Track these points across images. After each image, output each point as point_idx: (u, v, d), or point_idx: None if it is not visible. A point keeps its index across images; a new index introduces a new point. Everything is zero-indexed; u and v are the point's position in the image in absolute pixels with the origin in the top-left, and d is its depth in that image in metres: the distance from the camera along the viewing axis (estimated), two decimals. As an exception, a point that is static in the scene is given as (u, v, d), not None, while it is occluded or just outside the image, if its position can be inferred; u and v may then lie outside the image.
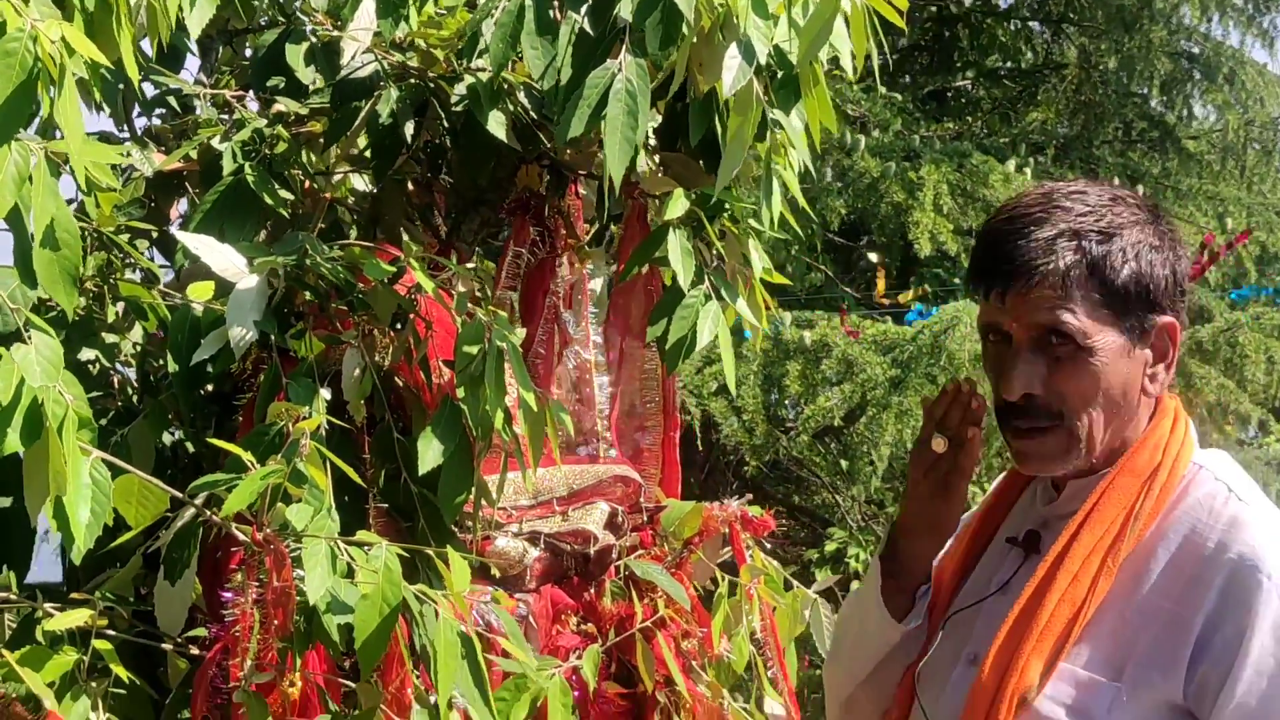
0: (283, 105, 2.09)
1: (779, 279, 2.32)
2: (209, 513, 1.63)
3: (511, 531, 2.10)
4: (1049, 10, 9.39)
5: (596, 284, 2.34)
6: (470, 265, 2.28)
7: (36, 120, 1.76)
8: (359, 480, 1.72)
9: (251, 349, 1.80)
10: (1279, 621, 1.55)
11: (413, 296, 1.90)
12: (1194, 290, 6.66)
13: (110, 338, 1.99)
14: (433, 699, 1.65)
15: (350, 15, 2.06)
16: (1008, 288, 1.64)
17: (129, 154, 2.08)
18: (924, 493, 1.78)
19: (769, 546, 2.35)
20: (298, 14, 2.18)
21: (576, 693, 1.90)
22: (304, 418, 1.63)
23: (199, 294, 1.86)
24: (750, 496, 2.33)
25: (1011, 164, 7.08)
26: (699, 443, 5.95)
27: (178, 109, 2.27)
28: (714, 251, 2.14)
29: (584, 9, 1.89)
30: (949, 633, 1.76)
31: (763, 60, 1.86)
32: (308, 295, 1.87)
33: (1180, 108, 9.16)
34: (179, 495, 1.63)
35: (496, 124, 2.03)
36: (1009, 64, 9.79)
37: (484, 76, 2.04)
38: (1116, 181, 6.99)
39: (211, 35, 2.34)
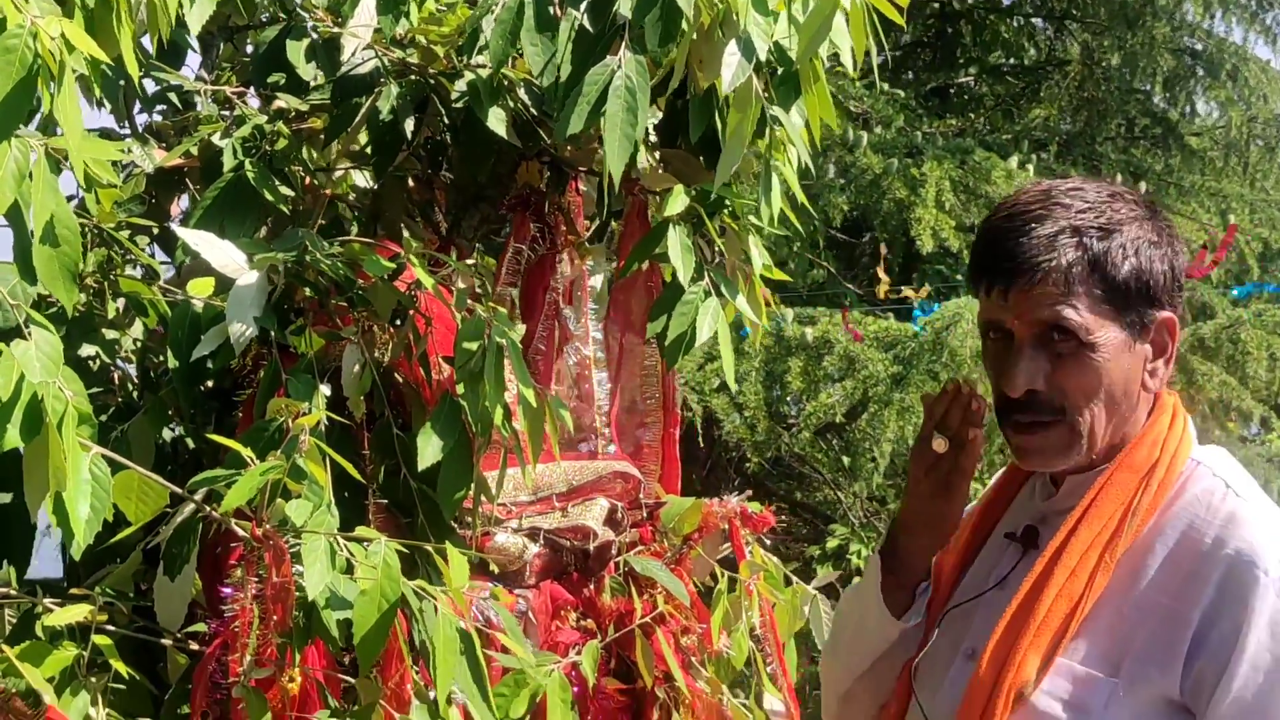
0: (283, 102, 2.09)
1: (779, 275, 2.32)
2: (209, 508, 1.64)
3: (511, 527, 2.10)
4: (1052, 6, 9.39)
5: (597, 280, 2.34)
6: (470, 261, 2.28)
7: (37, 117, 1.77)
8: (358, 476, 1.72)
9: (251, 345, 1.80)
10: (1275, 617, 1.55)
11: (413, 293, 1.90)
12: (1196, 287, 6.66)
13: (110, 334, 1.99)
14: (432, 694, 1.65)
15: (351, 12, 2.07)
16: (1010, 285, 1.64)
17: (130, 150, 2.08)
18: (925, 492, 1.78)
19: (769, 543, 2.36)
20: (298, 10, 2.18)
21: (576, 688, 1.91)
22: (304, 413, 1.63)
23: (199, 290, 1.86)
24: (750, 493, 2.34)
25: (1014, 160, 7.09)
26: (701, 439, 5.96)
27: (178, 105, 2.27)
28: (714, 248, 2.14)
29: (584, 6, 1.89)
30: (947, 628, 1.76)
31: (763, 57, 1.86)
32: (308, 291, 1.87)
33: (1183, 104, 9.16)
34: (179, 491, 1.64)
35: (497, 120, 2.03)
36: (1012, 60, 9.79)
37: (484, 73, 2.04)
38: (1119, 178, 7.00)
39: (212, 31, 2.34)
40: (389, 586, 1.52)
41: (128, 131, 2.23)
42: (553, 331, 2.23)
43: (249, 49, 2.41)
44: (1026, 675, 1.60)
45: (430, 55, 2.09)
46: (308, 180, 2.17)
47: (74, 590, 1.71)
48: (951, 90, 9.49)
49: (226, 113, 2.16)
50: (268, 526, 1.56)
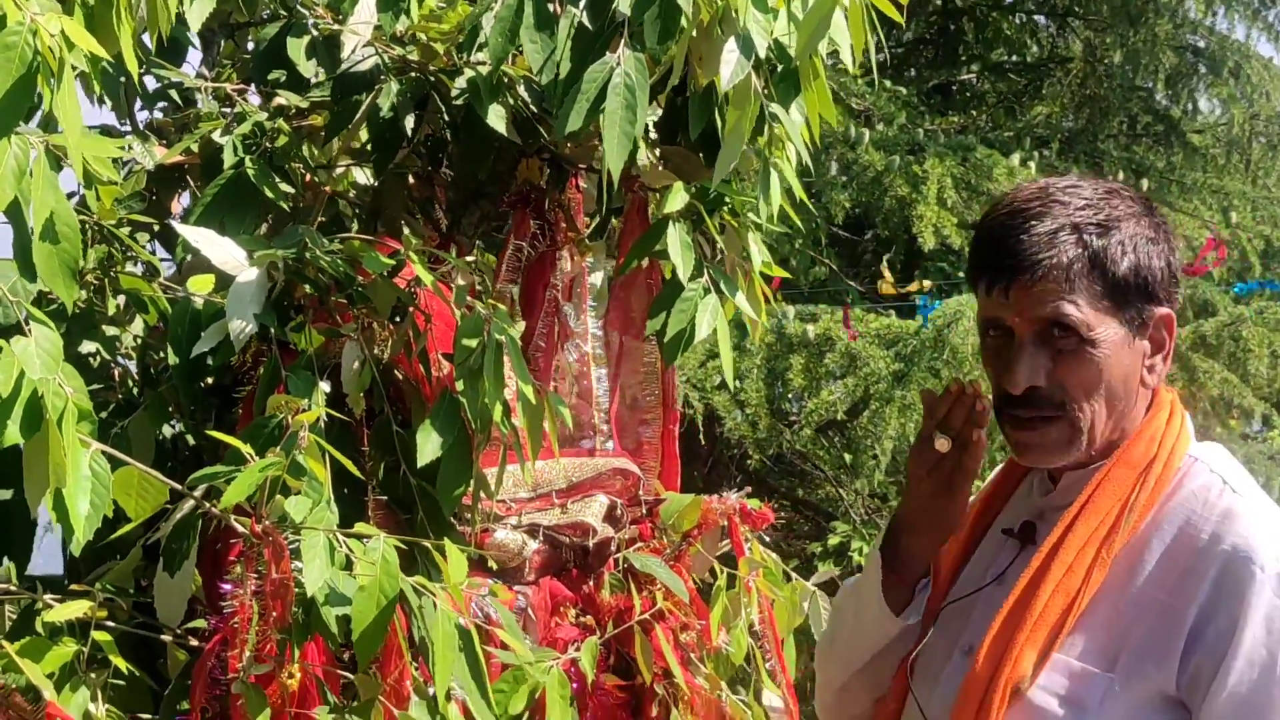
0: (284, 99, 2.09)
1: (779, 272, 2.32)
2: (208, 505, 1.64)
3: (510, 524, 2.10)
4: (1054, 4, 9.38)
5: (597, 277, 2.34)
6: (470, 258, 2.27)
7: (38, 114, 1.77)
8: (358, 472, 1.73)
9: (251, 342, 1.80)
10: (1271, 613, 1.55)
11: (412, 290, 1.90)
12: (1198, 284, 6.65)
13: (111, 330, 2.00)
14: (431, 691, 1.65)
15: (351, 9, 2.07)
16: (1010, 282, 1.64)
17: (130, 147, 2.08)
18: (927, 490, 1.78)
19: (769, 540, 2.36)
20: (299, 8, 2.18)
21: (575, 685, 1.91)
22: (303, 410, 1.63)
23: (199, 287, 1.87)
24: (750, 489, 2.34)
25: (1016, 158, 7.08)
26: (702, 436, 5.96)
27: (179, 102, 2.27)
28: (714, 245, 2.14)
29: (583, 3, 1.89)
30: (944, 623, 1.77)
31: (762, 54, 1.86)
32: (307, 288, 1.87)
33: (1185, 102, 9.15)
34: (179, 487, 1.64)
35: (496, 118, 2.03)
36: (1014, 58, 9.78)
37: (484, 70, 2.04)
38: (1121, 176, 6.99)
39: (213, 29, 2.34)
40: (388, 583, 1.52)
41: (128, 128, 2.23)
42: (552, 328, 2.23)
43: (249, 46, 2.41)
44: (1023, 671, 1.61)
45: (430, 52, 2.09)
46: (308, 177, 2.17)
47: (74, 586, 1.71)
48: (954, 87, 9.48)
49: (227, 110, 2.17)
50: (267, 523, 1.57)
